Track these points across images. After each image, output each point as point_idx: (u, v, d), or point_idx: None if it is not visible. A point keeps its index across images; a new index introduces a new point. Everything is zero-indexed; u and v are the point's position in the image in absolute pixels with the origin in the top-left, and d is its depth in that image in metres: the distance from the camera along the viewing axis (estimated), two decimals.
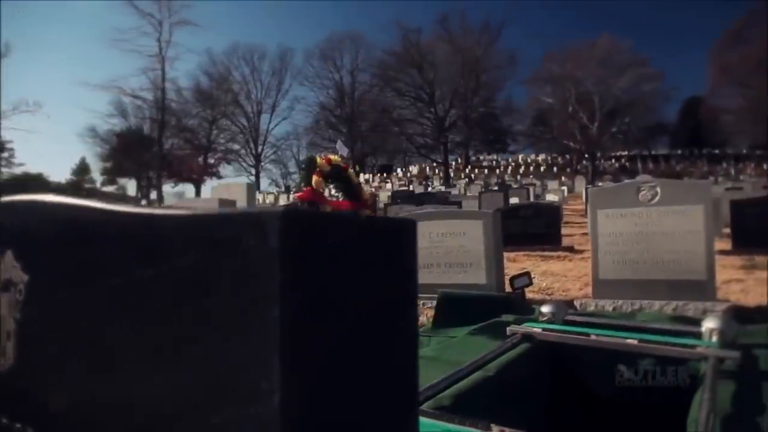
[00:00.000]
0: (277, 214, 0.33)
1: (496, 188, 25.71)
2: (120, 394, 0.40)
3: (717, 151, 53.71)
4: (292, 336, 0.34)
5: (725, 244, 7.41)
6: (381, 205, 18.58)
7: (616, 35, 49.14)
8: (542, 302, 3.61)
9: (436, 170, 50.88)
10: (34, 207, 0.45)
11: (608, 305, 3.80)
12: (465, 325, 2.87)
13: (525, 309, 3.39)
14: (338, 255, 0.37)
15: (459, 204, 15.64)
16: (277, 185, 56.59)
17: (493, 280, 4.29)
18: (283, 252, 0.33)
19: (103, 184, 57.54)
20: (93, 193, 51.93)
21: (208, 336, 0.36)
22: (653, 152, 56.56)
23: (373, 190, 32.97)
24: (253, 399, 0.34)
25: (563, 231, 9.77)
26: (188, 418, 0.37)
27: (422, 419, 1.36)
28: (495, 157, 60.79)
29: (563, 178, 38.10)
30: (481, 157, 60.45)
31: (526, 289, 4.05)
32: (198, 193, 47.97)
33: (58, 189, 51.53)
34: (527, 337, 2.22)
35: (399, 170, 56.50)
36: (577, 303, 3.98)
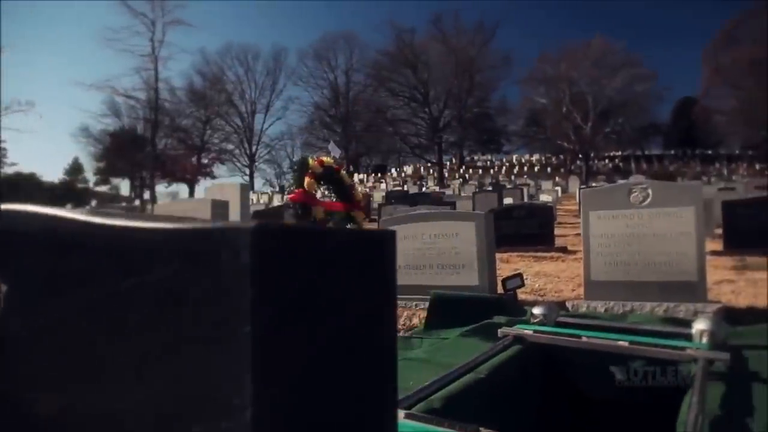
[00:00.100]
0: (249, 230, 0.33)
1: (490, 188, 25.77)
2: (94, 408, 0.40)
3: (710, 152, 54.05)
4: (263, 352, 0.33)
5: (717, 245, 7.45)
6: (375, 206, 18.61)
7: (609, 36, 49.41)
8: (535, 303, 3.61)
9: (431, 170, 50.96)
10: (13, 217, 0.44)
11: (600, 306, 3.81)
12: (457, 327, 2.88)
13: (517, 310, 3.40)
14: (312, 270, 0.37)
15: (453, 204, 15.67)
16: (272, 185, 56.58)
17: (486, 282, 4.29)
18: (254, 268, 0.33)
19: (96, 184, 57.41)
20: (86, 193, 51.79)
21: (180, 351, 0.36)
22: (646, 152, 56.88)
23: (368, 190, 32.99)
24: (225, 414, 0.34)
25: (557, 231, 9.80)
26: None
27: (412, 423, 1.36)
28: (489, 157, 60.94)
29: (557, 178, 38.28)
30: (476, 158, 60.59)
31: (519, 290, 4.07)
32: (192, 193, 47.91)
33: (50, 189, 51.36)
34: (518, 338, 2.23)
35: (393, 170, 56.59)
36: (569, 304, 3.99)
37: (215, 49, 74.48)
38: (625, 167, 50.38)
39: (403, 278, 4.58)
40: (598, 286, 3.98)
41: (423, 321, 3.32)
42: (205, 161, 53.43)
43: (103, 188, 57.09)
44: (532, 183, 30.84)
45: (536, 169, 50.64)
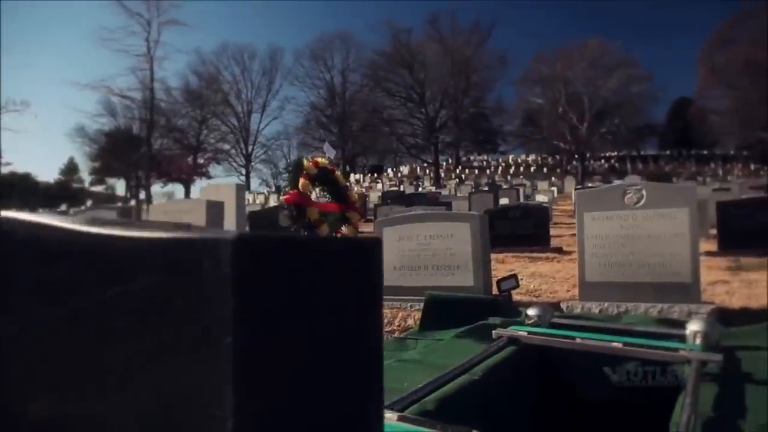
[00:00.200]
0: (230, 240, 0.33)
1: (486, 189, 25.78)
2: (77, 416, 0.39)
3: (705, 152, 54.21)
4: (245, 362, 0.33)
5: (712, 245, 7.47)
6: (371, 206, 18.61)
7: (605, 36, 49.57)
8: (530, 304, 3.62)
9: (427, 171, 50.99)
10: None
11: (594, 307, 3.82)
12: (452, 328, 2.88)
13: (512, 311, 3.41)
14: (296, 279, 0.37)
15: (449, 205, 15.68)
16: (268, 185, 56.52)
17: (481, 283, 4.29)
18: (234, 279, 0.33)
19: (92, 184, 57.27)
20: (81, 193, 51.63)
21: (163, 360, 0.36)
22: (642, 153, 57.01)
23: (364, 190, 32.98)
24: (206, 425, 0.34)
25: (553, 232, 9.80)
26: None
27: (405, 425, 1.36)
28: (485, 157, 61.02)
29: (553, 178, 38.31)
30: (472, 158, 60.66)
31: (514, 291, 4.07)
32: (188, 193, 47.84)
33: (46, 189, 51.20)
34: (513, 340, 2.23)
35: (390, 170, 56.59)
36: (563, 305, 4.00)
37: (211, 48, 74.30)
38: (620, 167, 50.52)
39: (398, 279, 4.58)
40: (592, 287, 3.98)
41: (418, 322, 3.33)
42: (201, 161, 53.34)
43: (98, 188, 56.97)
44: (528, 183, 30.88)
45: (532, 169, 50.72)
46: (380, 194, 25.36)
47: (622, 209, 3.90)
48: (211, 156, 54.90)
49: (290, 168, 3.39)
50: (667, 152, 57.48)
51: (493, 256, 6.45)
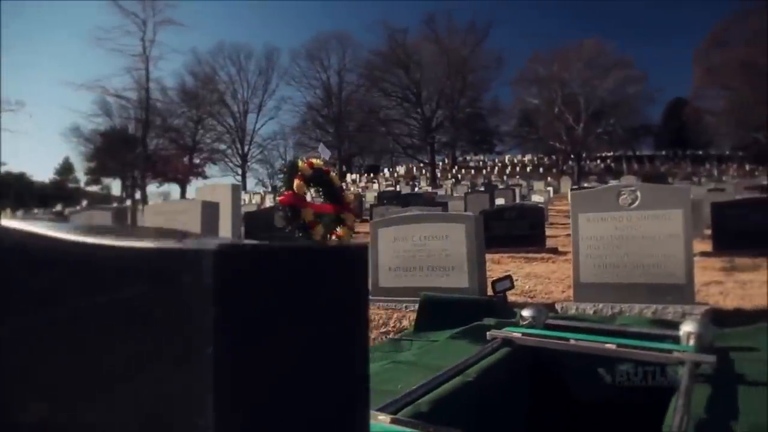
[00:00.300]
0: (211, 251, 0.33)
1: (482, 189, 25.81)
2: (57, 426, 0.39)
3: (700, 152, 54.40)
4: (226, 373, 0.33)
5: (707, 246, 7.49)
6: (367, 206, 18.61)
7: (601, 36, 49.70)
8: (525, 305, 3.62)
9: (423, 171, 51.02)
10: None
11: (589, 308, 3.82)
12: (447, 329, 2.88)
13: (507, 312, 3.41)
14: (279, 289, 0.37)
15: (445, 205, 15.69)
16: (264, 185, 56.46)
17: (476, 284, 4.29)
18: (216, 289, 0.33)
19: (87, 184, 57.16)
20: (77, 193, 51.50)
21: (145, 370, 0.36)
22: (638, 153, 57.18)
23: (360, 190, 32.97)
24: None
25: (548, 232, 9.82)
26: None
27: (398, 428, 1.36)
28: (482, 157, 61.11)
29: (549, 178, 38.39)
30: (468, 158, 60.74)
31: (509, 292, 4.07)
32: (183, 193, 47.76)
33: (41, 189, 51.03)
34: (507, 341, 2.23)
35: (386, 170, 56.62)
36: (558, 306, 4.00)
37: (207, 48, 74.24)
38: (616, 168, 50.69)
39: (393, 280, 4.58)
40: (587, 288, 3.99)
41: (413, 323, 3.32)
42: (197, 161, 53.26)
43: (94, 188, 56.87)
44: (524, 183, 30.93)
45: (528, 169, 50.80)
46: (376, 194, 25.37)
47: (616, 210, 3.91)
48: (207, 156, 54.83)
49: (285, 169, 3.37)
50: (663, 152, 57.67)
51: (488, 256, 6.46)
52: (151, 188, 49.59)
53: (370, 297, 4.71)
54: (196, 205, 7.05)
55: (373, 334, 3.73)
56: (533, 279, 5.71)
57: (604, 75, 46.65)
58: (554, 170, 48.82)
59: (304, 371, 0.39)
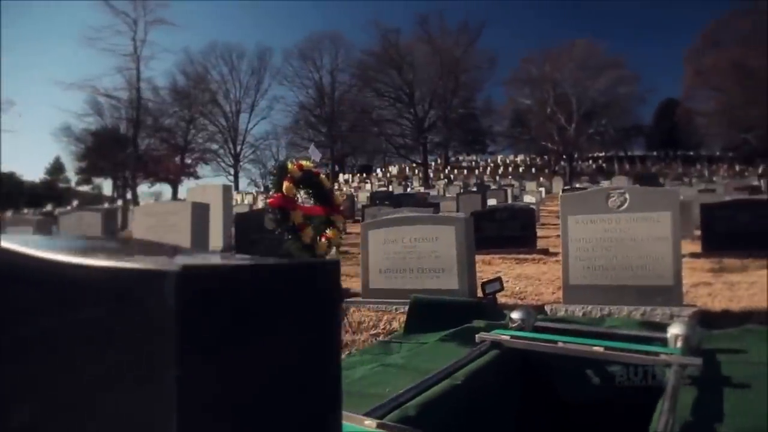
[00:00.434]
0: (174, 273, 0.33)
1: (474, 189, 25.85)
2: None
3: (692, 153, 54.70)
4: (189, 394, 0.33)
5: (697, 246, 7.53)
6: (359, 206, 18.61)
7: (593, 37, 49.91)
8: (515, 306, 3.63)
9: (416, 171, 51.03)
10: None
11: (578, 310, 3.84)
12: (437, 331, 2.87)
13: (497, 314, 3.41)
14: (243, 309, 0.37)
15: (437, 205, 15.72)
16: (256, 185, 56.30)
17: (466, 285, 4.30)
18: (179, 311, 0.32)
19: (78, 183, 56.79)
20: (67, 193, 51.17)
21: (109, 390, 0.35)
22: (629, 153, 57.42)
23: (352, 190, 32.94)
24: None
25: (540, 233, 9.85)
26: None
27: None
28: (474, 157, 61.17)
29: (541, 179, 38.48)
30: (461, 158, 60.78)
31: (499, 294, 4.08)
32: (175, 193, 47.59)
33: (31, 188, 50.66)
34: (496, 344, 2.23)
35: (378, 171, 56.55)
36: (548, 308, 4.01)
37: (199, 48, 74.01)
38: (608, 168, 50.88)
39: (383, 282, 4.58)
40: (576, 289, 4.00)
41: (403, 325, 3.32)
42: (189, 161, 53.05)
43: (85, 188, 56.52)
44: (516, 184, 31.00)
45: (521, 169, 50.89)
46: (369, 194, 25.37)
47: (605, 212, 3.93)
48: (198, 156, 54.64)
49: (275, 171, 3.36)
50: (654, 153, 57.96)
51: (479, 257, 6.47)
52: (143, 188, 49.46)
53: (360, 299, 4.72)
54: (186, 207, 7.02)
55: (362, 336, 3.72)
56: (524, 280, 5.72)
57: (596, 75, 46.84)
58: (546, 170, 48.95)
59: (271, 389, 0.38)
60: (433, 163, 54.74)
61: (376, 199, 21.65)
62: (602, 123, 48.07)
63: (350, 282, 5.74)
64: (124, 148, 47.73)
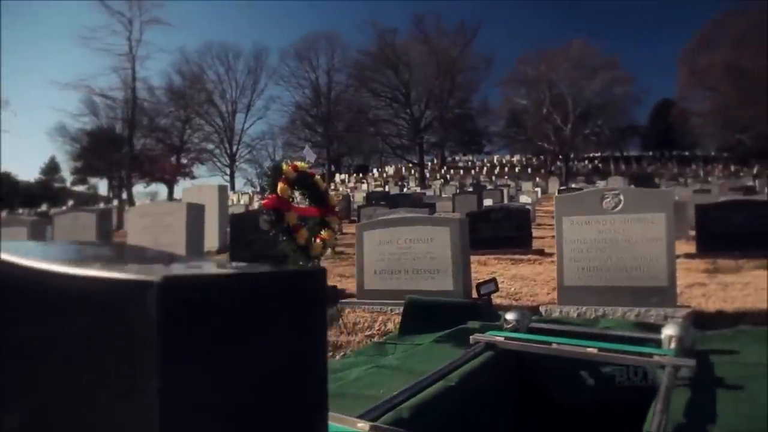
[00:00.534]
0: (156, 284, 0.32)
1: (470, 189, 25.88)
2: None
3: (687, 153, 54.89)
4: (172, 406, 0.33)
5: (692, 247, 7.55)
6: (355, 207, 18.61)
7: (589, 37, 50.05)
8: (510, 307, 3.63)
9: (412, 171, 51.03)
10: None
11: (573, 311, 3.84)
12: (432, 332, 2.87)
13: (492, 315, 3.41)
14: (228, 319, 0.36)
15: (433, 206, 15.73)
16: (253, 185, 56.23)
17: (461, 286, 4.30)
18: (161, 322, 0.32)
19: (74, 183, 56.63)
20: (63, 193, 51.01)
21: (92, 402, 0.35)
22: (625, 154, 57.58)
23: (349, 191, 32.93)
24: None
25: (536, 233, 9.86)
26: None
27: None
28: (470, 157, 61.21)
29: (537, 179, 38.54)
30: (457, 158, 60.82)
31: (494, 294, 4.08)
32: (171, 193, 47.48)
33: (26, 188, 50.50)
34: (490, 345, 2.23)
35: (375, 171, 56.55)
36: (542, 309, 4.02)
37: (195, 48, 73.90)
38: (604, 168, 50.98)
39: (378, 283, 4.58)
40: (571, 291, 4.01)
41: (398, 326, 3.32)
42: (185, 161, 52.93)
43: (80, 188, 56.36)
44: (512, 184, 31.05)
45: (517, 169, 50.95)
46: (365, 195, 25.38)
47: (600, 214, 3.94)
48: (194, 156, 54.53)
49: (269, 172, 3.36)
50: (650, 153, 58.13)
51: (475, 258, 6.47)
52: (139, 188, 49.33)
53: (356, 300, 4.72)
54: (181, 207, 7.01)
55: (357, 338, 3.72)
56: (519, 281, 5.73)
57: (591, 76, 46.98)
58: (542, 171, 49.04)
59: (255, 399, 0.38)
60: (429, 164, 54.79)
61: (372, 199, 21.64)
62: (598, 123, 48.21)
63: (345, 283, 5.74)
64: (120, 148, 47.56)
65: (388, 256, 4.55)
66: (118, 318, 0.34)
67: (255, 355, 0.37)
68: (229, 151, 56.49)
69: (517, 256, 7.78)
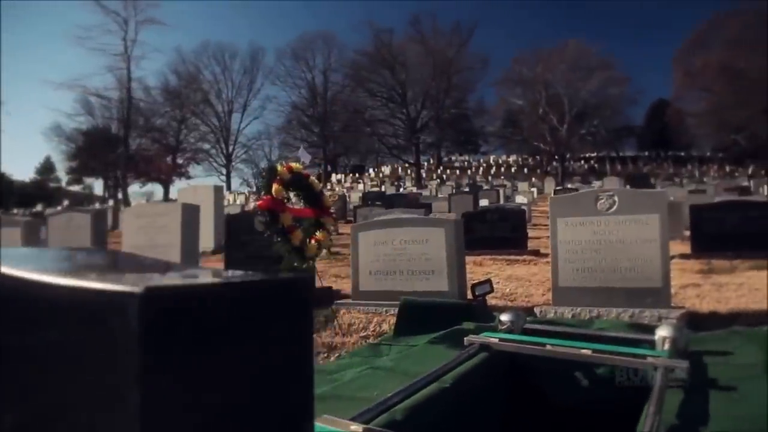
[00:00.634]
0: (138, 295, 0.32)
1: (467, 189, 25.91)
2: None
3: (682, 154, 55.02)
4: (154, 416, 0.33)
5: (686, 247, 7.57)
6: (351, 207, 18.61)
7: (586, 37, 50.14)
8: (505, 308, 3.64)
9: (408, 171, 51.04)
10: None
11: (567, 312, 3.85)
12: (427, 333, 2.87)
13: (486, 316, 3.41)
14: (211, 328, 0.36)
15: (429, 206, 15.74)
16: (249, 185, 56.09)
17: (456, 287, 4.31)
18: (141, 333, 0.32)
19: (69, 183, 56.42)
20: (58, 193, 50.83)
21: (74, 411, 0.35)
22: (621, 154, 57.66)
23: (345, 191, 32.92)
24: None
25: (531, 233, 9.87)
26: None
27: None
28: (467, 157, 61.24)
29: (533, 179, 38.58)
30: (453, 158, 60.83)
31: (489, 295, 4.08)
32: (167, 193, 47.38)
33: (21, 188, 50.29)
34: (484, 347, 2.23)
35: (371, 171, 56.55)
36: (537, 310, 4.02)
37: (191, 48, 73.79)
38: (600, 168, 51.08)
39: (373, 284, 4.58)
40: (565, 292, 4.02)
41: (393, 327, 3.32)
42: (181, 161, 52.82)
43: (75, 188, 56.16)
44: (508, 184, 31.10)
45: (513, 169, 51.02)
46: (361, 195, 25.39)
47: (594, 215, 3.94)
48: (190, 156, 54.42)
49: (264, 174, 3.35)
50: (646, 153, 58.25)
51: (470, 258, 6.47)
52: (134, 188, 49.21)
53: (351, 301, 4.72)
54: (176, 208, 6.99)
55: (352, 339, 3.72)
56: (514, 281, 5.74)
57: (587, 76, 47.07)
58: (538, 171, 49.09)
59: (240, 407, 0.38)
60: (425, 164, 54.81)
61: (368, 199, 21.66)
62: (594, 123, 48.30)
63: (341, 283, 5.74)
64: (115, 147, 47.48)
65: (383, 257, 4.55)
66: (102, 328, 0.34)
67: (239, 363, 0.37)
68: (225, 151, 56.39)
69: (512, 257, 7.79)
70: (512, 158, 57.25)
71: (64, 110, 52.15)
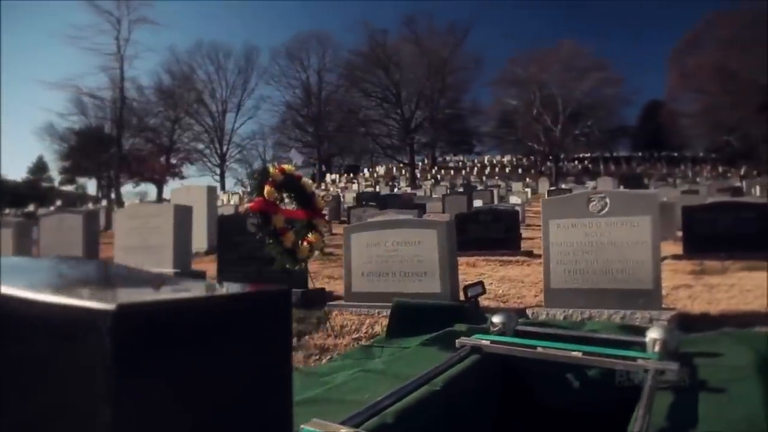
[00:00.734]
0: (111, 313, 0.32)
1: (461, 190, 25.92)
2: None
3: (676, 154, 55.21)
4: (128, 430, 0.33)
5: (678, 248, 7.59)
6: (345, 207, 18.59)
7: (580, 37, 50.28)
8: (497, 310, 3.64)
9: (403, 171, 51.02)
10: None
11: (559, 314, 3.85)
12: (419, 334, 2.87)
13: (479, 317, 3.41)
14: (186, 345, 0.36)
15: (423, 206, 15.74)
16: (243, 185, 55.93)
17: (448, 289, 4.31)
18: (114, 351, 0.32)
19: (62, 183, 56.11)
20: (51, 193, 50.56)
21: (52, 425, 0.35)
22: (615, 154, 57.82)
23: (339, 191, 32.88)
24: None
25: (525, 234, 9.88)
26: None
27: None
28: (461, 158, 61.27)
29: (528, 179, 38.63)
30: (447, 158, 60.85)
31: (482, 297, 4.08)
32: (160, 193, 47.20)
33: (14, 188, 50.00)
34: (476, 349, 2.22)
35: (366, 171, 56.47)
36: (529, 312, 4.03)
37: (185, 47, 73.52)
38: (594, 169, 51.17)
39: (365, 285, 4.58)
40: (557, 293, 4.02)
41: (385, 329, 3.32)
42: (174, 161, 52.62)
43: (68, 188, 55.86)
44: (503, 184, 31.12)
45: (507, 170, 51.03)
46: (355, 195, 25.37)
47: (586, 217, 3.95)
48: (184, 156, 54.22)
49: (256, 175, 3.35)
50: (639, 154, 58.42)
51: (464, 259, 6.48)
52: (128, 188, 49.00)
53: (343, 302, 4.71)
54: (169, 209, 6.96)
55: (345, 341, 3.71)
56: (507, 283, 5.74)
57: (581, 77, 47.13)
58: (533, 171, 49.16)
59: (216, 419, 0.38)
60: (420, 164, 54.80)
61: (362, 199, 21.63)
62: (588, 124, 48.39)
63: (334, 285, 5.73)
64: (109, 147, 47.28)
65: (375, 259, 4.55)
66: (78, 344, 0.34)
67: (214, 376, 0.37)
68: (219, 151, 56.22)
69: (505, 258, 7.79)
70: (506, 158, 57.29)
71: (57, 110, 51.99)
